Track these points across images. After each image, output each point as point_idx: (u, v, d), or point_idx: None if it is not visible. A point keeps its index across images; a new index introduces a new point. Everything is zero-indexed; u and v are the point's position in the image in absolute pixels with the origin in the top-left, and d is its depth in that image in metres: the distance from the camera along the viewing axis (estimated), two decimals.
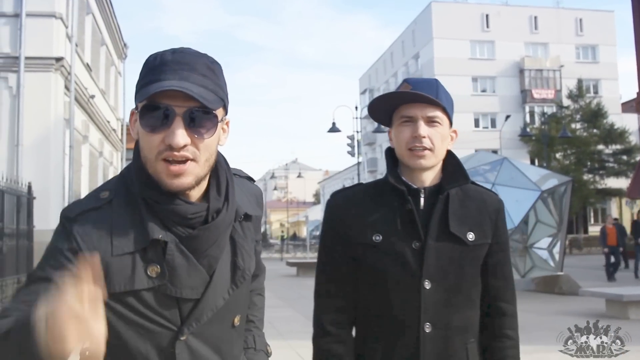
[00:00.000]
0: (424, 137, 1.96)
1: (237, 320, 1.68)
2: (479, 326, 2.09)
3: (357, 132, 35.57)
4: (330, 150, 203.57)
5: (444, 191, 2.02)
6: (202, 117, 1.47)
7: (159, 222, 1.51)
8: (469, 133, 51.82)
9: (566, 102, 48.57)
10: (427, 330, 1.96)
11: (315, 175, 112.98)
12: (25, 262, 13.65)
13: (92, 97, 18.79)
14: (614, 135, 45.30)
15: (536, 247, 15.89)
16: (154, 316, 1.52)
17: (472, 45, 55.71)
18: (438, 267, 1.97)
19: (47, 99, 14.77)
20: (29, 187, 13.84)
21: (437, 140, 1.99)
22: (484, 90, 56.46)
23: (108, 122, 22.57)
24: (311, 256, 31.87)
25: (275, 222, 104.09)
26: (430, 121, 1.98)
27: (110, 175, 24.26)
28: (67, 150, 15.92)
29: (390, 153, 2.10)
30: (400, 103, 2.02)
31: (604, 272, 19.93)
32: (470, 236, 2.01)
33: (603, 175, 46.12)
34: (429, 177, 2.05)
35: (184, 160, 1.48)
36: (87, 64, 19.09)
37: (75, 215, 1.51)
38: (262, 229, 1.64)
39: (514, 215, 13.31)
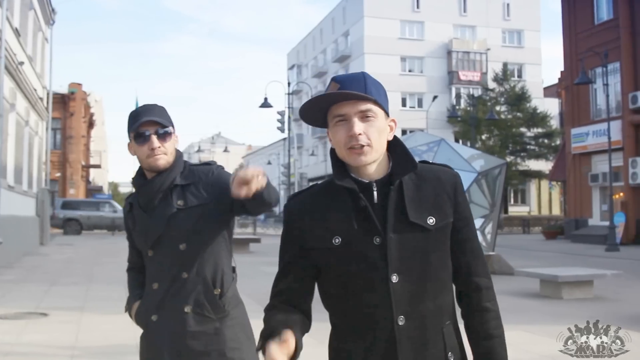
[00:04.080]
0: (360, 134, 1.94)
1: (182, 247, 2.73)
2: (454, 306, 2.09)
3: (289, 108, 35.51)
4: (257, 125, 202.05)
5: (394, 181, 2.00)
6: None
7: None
8: (396, 112, 52.44)
9: (491, 84, 49.71)
10: (401, 323, 1.94)
11: (239, 150, 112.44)
12: None
13: (21, 63, 18.02)
14: (536, 119, 46.72)
15: None
16: None
17: (402, 25, 56.25)
18: (403, 259, 1.95)
19: None
20: None
21: (374, 134, 1.96)
22: (411, 70, 57.18)
23: (35, 90, 21.73)
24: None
25: None
26: (364, 116, 1.96)
27: (36, 145, 23.41)
28: None
29: (334, 153, 2.07)
30: (331, 103, 2.00)
31: (527, 251, 20.53)
32: (431, 220, 1.98)
33: (524, 158, 47.56)
34: (377, 170, 2.02)
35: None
36: (16, 29, 18.27)
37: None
38: None
39: None
